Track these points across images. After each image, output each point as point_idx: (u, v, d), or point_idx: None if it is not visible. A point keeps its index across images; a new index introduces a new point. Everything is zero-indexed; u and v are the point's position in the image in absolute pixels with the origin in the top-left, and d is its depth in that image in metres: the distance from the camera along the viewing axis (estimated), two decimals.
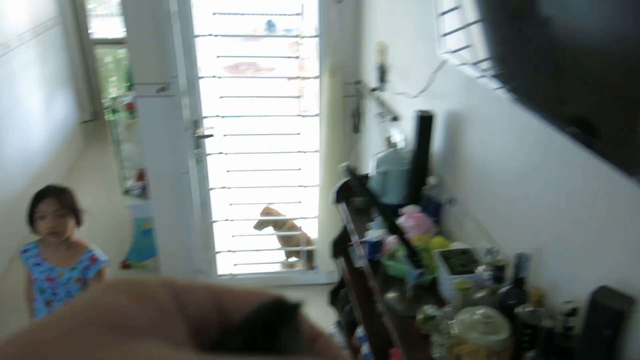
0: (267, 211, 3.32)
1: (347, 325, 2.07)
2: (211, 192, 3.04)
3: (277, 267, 3.53)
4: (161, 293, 0.18)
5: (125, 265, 3.44)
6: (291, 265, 3.52)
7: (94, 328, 0.16)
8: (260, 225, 3.33)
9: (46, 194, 1.80)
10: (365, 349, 1.87)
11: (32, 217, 1.80)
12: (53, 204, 1.78)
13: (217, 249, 3.21)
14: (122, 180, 3.52)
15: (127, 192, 3.47)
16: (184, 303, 0.18)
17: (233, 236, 3.14)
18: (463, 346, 1.10)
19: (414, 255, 1.39)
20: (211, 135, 2.84)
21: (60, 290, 1.86)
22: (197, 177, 2.92)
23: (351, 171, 1.67)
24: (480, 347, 1.07)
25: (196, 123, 2.80)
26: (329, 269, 3.20)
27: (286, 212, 3.36)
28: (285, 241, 3.39)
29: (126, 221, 3.64)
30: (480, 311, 1.11)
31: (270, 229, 3.33)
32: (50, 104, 4.41)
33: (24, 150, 3.78)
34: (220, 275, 3.28)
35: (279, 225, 3.32)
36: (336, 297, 2.22)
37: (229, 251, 3.19)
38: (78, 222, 1.87)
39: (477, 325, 1.09)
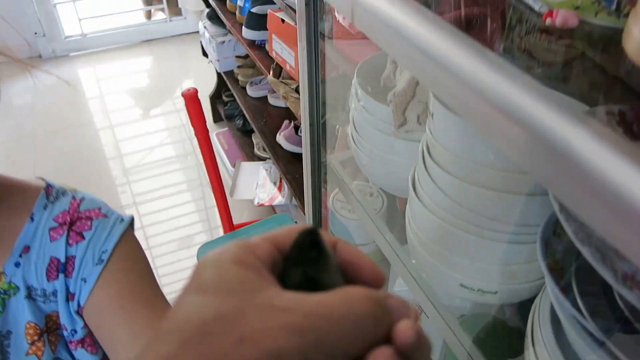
0: None
1: None
2: None
3: (136, 19, 3.06)
4: (250, 257, 0.24)
5: None
6: (151, 13, 3.06)
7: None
8: None
9: None
10: None
11: None
12: None
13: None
14: None
15: None
16: (261, 258, 0.24)
17: None
18: None
19: None
20: None
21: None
22: None
23: None
24: None
25: None
26: (197, 9, 2.79)
27: None
28: None
29: None
30: None
31: None
32: None
33: None
34: (68, 37, 2.81)
35: None
36: None
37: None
38: None
39: None
